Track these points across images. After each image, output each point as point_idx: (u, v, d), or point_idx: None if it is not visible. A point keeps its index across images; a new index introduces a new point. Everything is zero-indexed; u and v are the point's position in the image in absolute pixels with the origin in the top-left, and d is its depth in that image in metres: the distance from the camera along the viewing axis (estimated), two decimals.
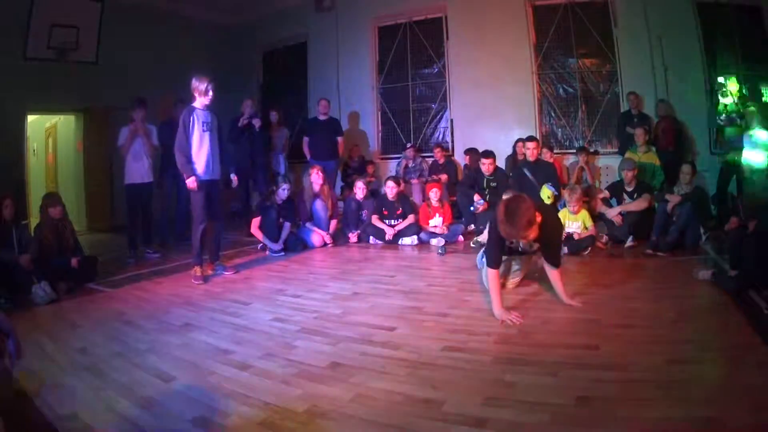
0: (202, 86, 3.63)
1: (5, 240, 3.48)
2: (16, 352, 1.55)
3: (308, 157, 6.37)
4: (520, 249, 2.76)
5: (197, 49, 7.93)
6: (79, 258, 3.79)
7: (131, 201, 4.85)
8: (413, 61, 7.34)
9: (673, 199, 4.08)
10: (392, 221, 5.02)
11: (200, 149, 3.66)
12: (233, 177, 4.04)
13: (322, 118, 6.36)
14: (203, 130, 3.66)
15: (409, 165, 6.69)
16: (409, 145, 6.86)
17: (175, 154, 3.60)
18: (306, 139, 6.42)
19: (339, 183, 6.99)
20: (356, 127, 7.72)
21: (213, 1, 8.18)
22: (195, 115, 3.63)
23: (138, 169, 4.80)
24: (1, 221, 3.54)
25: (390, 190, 4.96)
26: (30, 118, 6.82)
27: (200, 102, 3.67)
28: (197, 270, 3.73)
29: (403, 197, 5.14)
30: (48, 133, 8.28)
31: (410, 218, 4.97)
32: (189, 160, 3.60)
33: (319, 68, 8.06)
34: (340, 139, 6.39)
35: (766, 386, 1.66)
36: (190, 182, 3.57)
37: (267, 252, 4.70)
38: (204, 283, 3.66)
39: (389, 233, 4.89)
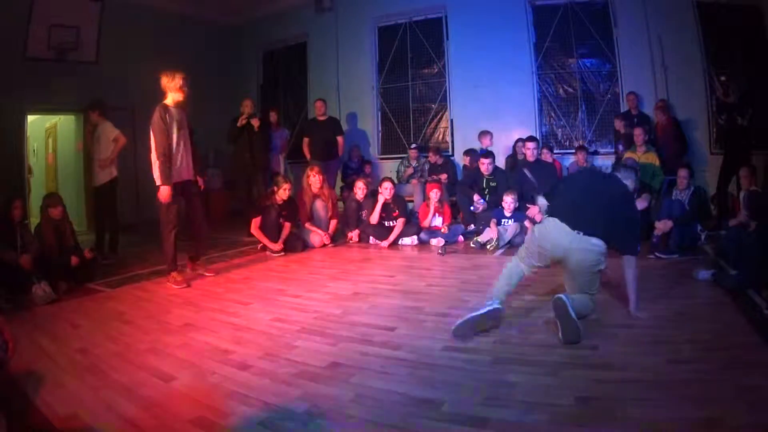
0: (176, 82, 3.47)
1: (11, 240, 3.49)
2: (7, 348, 1.55)
3: (308, 157, 6.36)
4: None
5: (197, 49, 7.93)
6: (80, 257, 3.76)
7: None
8: (413, 61, 7.35)
9: (661, 227, 3.98)
10: (390, 222, 5.02)
11: (176, 149, 3.53)
12: (200, 179, 3.86)
13: (320, 118, 6.36)
14: (178, 128, 3.53)
15: (414, 165, 6.64)
16: (413, 146, 6.81)
17: (157, 157, 3.40)
18: (306, 140, 6.41)
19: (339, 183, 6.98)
20: (356, 127, 7.72)
21: (213, 1, 8.18)
22: (169, 114, 3.48)
23: (96, 172, 4.93)
24: (10, 222, 3.55)
25: (387, 191, 4.96)
26: (30, 118, 6.82)
27: (173, 99, 3.52)
28: (175, 275, 3.58)
29: (399, 198, 5.13)
30: (48, 133, 8.27)
31: (400, 222, 4.95)
32: (169, 165, 3.42)
33: (319, 68, 8.07)
34: (340, 138, 6.38)
35: (766, 386, 1.66)
36: (164, 191, 3.39)
37: (267, 252, 4.70)
38: (187, 286, 3.53)
39: (384, 244, 4.88)
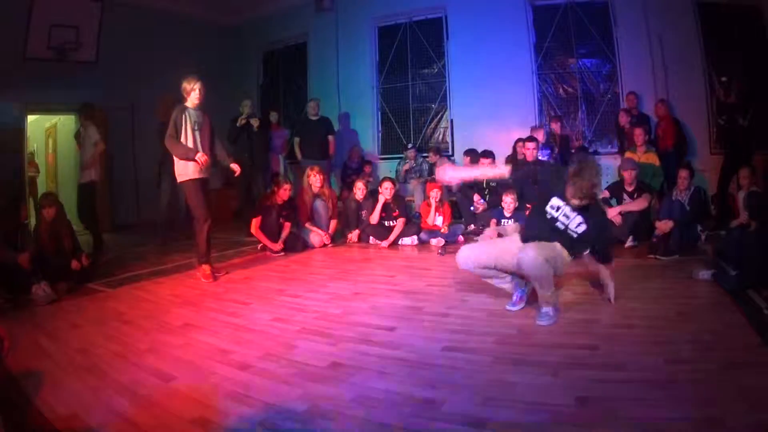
0: (188, 86, 3.70)
1: (12, 240, 3.49)
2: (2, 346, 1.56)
3: (299, 157, 6.40)
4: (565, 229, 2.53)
5: (197, 49, 7.93)
6: (78, 260, 3.71)
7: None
8: (413, 61, 7.35)
9: (662, 227, 3.98)
10: (390, 222, 5.02)
11: (194, 149, 3.68)
12: (234, 167, 3.97)
13: (312, 118, 6.39)
14: (194, 129, 3.70)
15: (411, 166, 6.67)
16: (410, 146, 6.85)
17: (169, 147, 3.63)
18: (297, 140, 6.46)
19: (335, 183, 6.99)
20: (356, 127, 7.72)
21: (213, 1, 8.18)
22: (187, 114, 3.68)
23: (80, 171, 5.02)
24: (17, 222, 3.55)
25: (387, 191, 4.96)
26: (30, 118, 6.83)
27: (190, 101, 3.73)
28: (206, 268, 3.73)
29: (399, 198, 5.14)
30: (48, 133, 8.28)
31: (400, 222, 4.95)
32: (184, 145, 3.63)
33: (319, 68, 8.07)
34: (331, 138, 6.41)
35: (766, 386, 1.66)
36: (200, 157, 3.60)
37: (267, 252, 4.70)
38: (215, 280, 3.68)
39: (384, 244, 4.88)
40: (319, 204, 5.09)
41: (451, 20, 7.01)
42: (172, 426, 1.62)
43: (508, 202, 4.67)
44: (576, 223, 2.49)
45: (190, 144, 3.68)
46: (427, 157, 6.64)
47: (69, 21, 6.49)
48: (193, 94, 3.71)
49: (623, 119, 5.73)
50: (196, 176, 3.70)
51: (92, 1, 6.76)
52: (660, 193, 4.88)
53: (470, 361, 2.03)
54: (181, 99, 3.76)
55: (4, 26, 5.96)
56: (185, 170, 3.67)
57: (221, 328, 2.62)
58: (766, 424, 1.45)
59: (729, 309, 2.53)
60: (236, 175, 4.04)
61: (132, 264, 4.47)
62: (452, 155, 6.96)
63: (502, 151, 6.19)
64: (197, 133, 3.72)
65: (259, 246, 4.85)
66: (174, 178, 4.85)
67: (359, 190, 5.20)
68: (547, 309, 2.46)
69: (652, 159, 5.04)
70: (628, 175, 4.43)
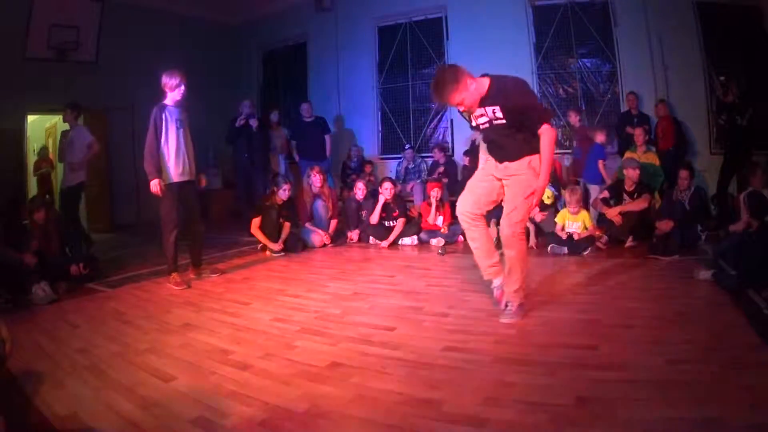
0: (174, 81, 3.45)
1: (16, 240, 3.49)
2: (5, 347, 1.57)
3: (297, 158, 6.42)
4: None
5: (197, 49, 7.94)
6: (79, 264, 3.71)
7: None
8: (413, 61, 7.35)
9: (662, 227, 3.98)
10: (390, 222, 5.02)
11: (175, 148, 3.48)
12: (201, 177, 3.77)
13: (307, 120, 6.42)
14: (177, 128, 3.49)
15: (409, 167, 6.71)
16: (407, 146, 6.88)
17: (144, 154, 3.40)
18: (293, 143, 6.49)
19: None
20: (356, 127, 7.72)
21: (213, 1, 8.18)
22: (167, 113, 3.46)
23: (66, 174, 4.96)
24: (17, 223, 3.55)
25: (387, 191, 4.96)
26: (30, 118, 6.83)
27: (171, 98, 3.49)
28: (175, 276, 3.55)
29: (399, 198, 5.14)
30: (48, 133, 8.28)
31: (400, 222, 4.95)
32: (156, 162, 3.41)
33: (319, 68, 8.07)
34: (327, 137, 6.43)
35: (766, 386, 1.66)
36: (154, 185, 3.38)
37: (267, 252, 4.70)
38: (188, 287, 3.50)
39: (384, 244, 4.88)
40: (319, 204, 5.10)
41: (451, 20, 7.00)
42: (172, 426, 1.62)
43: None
44: None
45: (173, 144, 3.46)
46: (426, 157, 6.63)
47: (69, 21, 6.50)
48: (177, 90, 3.47)
49: (573, 118, 5.81)
50: (173, 180, 3.49)
51: (92, 1, 6.76)
52: (660, 193, 4.88)
53: (470, 361, 2.03)
54: (161, 95, 3.51)
55: (4, 26, 5.97)
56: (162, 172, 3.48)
57: (221, 328, 2.61)
58: (766, 424, 1.45)
59: (729, 309, 2.52)
60: (202, 185, 3.81)
61: (132, 264, 4.46)
62: (452, 155, 6.96)
63: None
64: (180, 132, 3.50)
65: (259, 246, 4.85)
66: None
67: (359, 190, 5.20)
68: (512, 305, 2.48)
69: (652, 159, 5.04)
70: (631, 174, 4.41)
